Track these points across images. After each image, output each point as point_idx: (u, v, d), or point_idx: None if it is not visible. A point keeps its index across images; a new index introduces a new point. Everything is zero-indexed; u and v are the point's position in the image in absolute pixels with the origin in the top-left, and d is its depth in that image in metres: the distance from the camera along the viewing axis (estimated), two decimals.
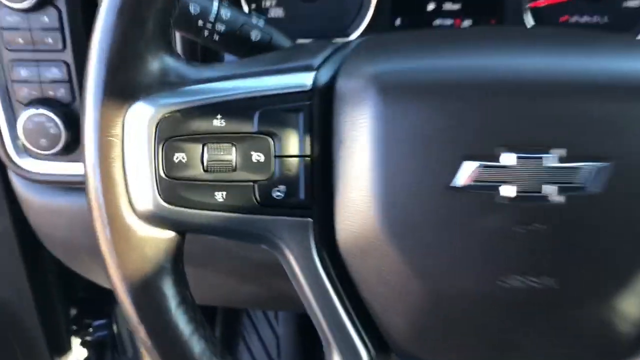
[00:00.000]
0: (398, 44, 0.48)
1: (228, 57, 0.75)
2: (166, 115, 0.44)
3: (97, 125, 0.43)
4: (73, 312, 1.19)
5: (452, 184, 0.41)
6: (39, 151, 0.72)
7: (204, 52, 0.76)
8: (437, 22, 0.80)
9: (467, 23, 0.79)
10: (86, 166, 0.44)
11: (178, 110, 0.44)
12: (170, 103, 0.44)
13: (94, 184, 0.44)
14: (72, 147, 0.73)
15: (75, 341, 1.19)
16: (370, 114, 0.43)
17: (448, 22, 0.79)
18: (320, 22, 0.78)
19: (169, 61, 0.45)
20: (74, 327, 1.20)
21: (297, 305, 0.48)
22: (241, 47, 0.57)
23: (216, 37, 0.55)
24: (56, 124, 0.71)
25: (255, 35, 0.57)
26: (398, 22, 0.79)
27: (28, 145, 0.72)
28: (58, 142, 0.72)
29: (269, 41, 0.58)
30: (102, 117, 0.43)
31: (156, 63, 0.44)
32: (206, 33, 0.55)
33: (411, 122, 0.42)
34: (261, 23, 0.57)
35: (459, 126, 0.41)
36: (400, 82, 0.43)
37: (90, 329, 1.27)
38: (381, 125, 0.42)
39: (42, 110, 0.71)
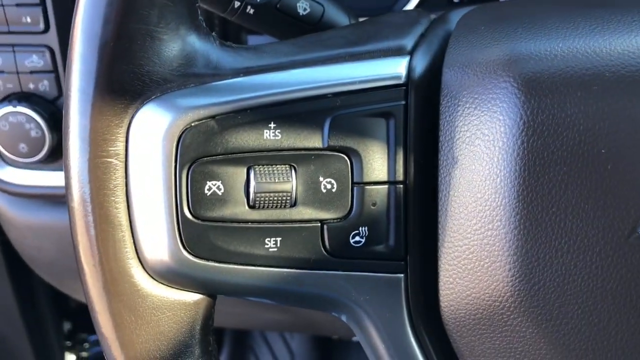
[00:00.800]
0: (524, 16, 0.37)
1: (253, 39, 0.67)
2: (193, 125, 0.34)
3: (88, 140, 0.33)
4: (67, 326, 1.18)
5: None
6: (18, 158, 0.66)
7: (223, 31, 0.66)
8: None
9: None
10: (72, 200, 0.34)
11: (211, 117, 0.34)
12: (199, 105, 0.34)
13: (84, 227, 0.34)
14: (58, 153, 0.66)
15: (70, 357, 1.18)
16: (506, 120, 0.32)
17: None
18: None
19: (195, 42, 0.35)
20: (68, 343, 1.19)
21: (321, 329, 0.42)
22: (283, 23, 0.48)
23: (250, 10, 0.46)
24: (38, 124, 0.64)
25: (303, 8, 0.47)
26: None
27: (4, 152, 0.66)
28: (41, 147, 0.65)
29: (320, 17, 0.48)
30: (95, 128, 0.33)
31: (176, 45, 0.34)
32: (237, 4, 0.46)
33: (577, 133, 0.32)
34: None
35: None
36: (558, 71, 0.32)
37: (86, 344, 1.25)
38: (525, 138, 0.32)
39: (20, 108, 0.63)
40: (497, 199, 0.32)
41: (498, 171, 0.32)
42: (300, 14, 0.47)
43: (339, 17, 0.49)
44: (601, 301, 0.32)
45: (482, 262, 0.33)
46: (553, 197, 0.32)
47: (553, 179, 0.32)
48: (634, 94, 0.31)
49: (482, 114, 0.33)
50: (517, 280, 0.33)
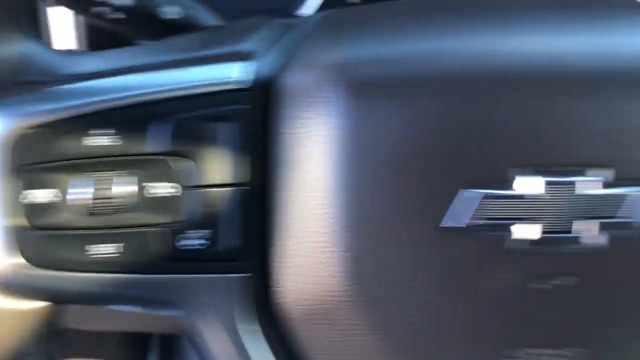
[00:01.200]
0: (370, 20, 0.38)
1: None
2: (25, 132, 0.33)
3: None
4: None
5: (444, 224, 0.32)
6: None
7: (115, 40, 0.61)
8: None
9: None
10: None
11: (45, 124, 0.33)
12: (32, 112, 0.33)
13: None
14: None
15: None
16: (330, 121, 0.33)
17: None
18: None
19: (29, 49, 0.34)
20: None
21: None
22: (152, 28, 0.46)
23: (121, 15, 0.45)
24: None
25: (170, 13, 0.46)
26: None
27: None
28: None
29: (195, 22, 0.47)
30: None
31: (7, 52, 0.33)
32: (104, 8, 0.44)
33: (391, 133, 0.33)
34: None
35: (455, 138, 0.32)
36: (377, 75, 0.33)
37: None
38: (347, 139, 0.33)
39: None
40: (327, 199, 0.33)
41: (327, 172, 0.33)
42: (165, 18, 0.46)
43: (210, 22, 0.49)
44: (418, 292, 0.33)
45: (315, 260, 0.34)
46: (375, 195, 0.33)
47: (375, 178, 0.33)
48: (445, 99, 0.32)
49: (315, 117, 0.33)
50: (345, 276, 0.33)
